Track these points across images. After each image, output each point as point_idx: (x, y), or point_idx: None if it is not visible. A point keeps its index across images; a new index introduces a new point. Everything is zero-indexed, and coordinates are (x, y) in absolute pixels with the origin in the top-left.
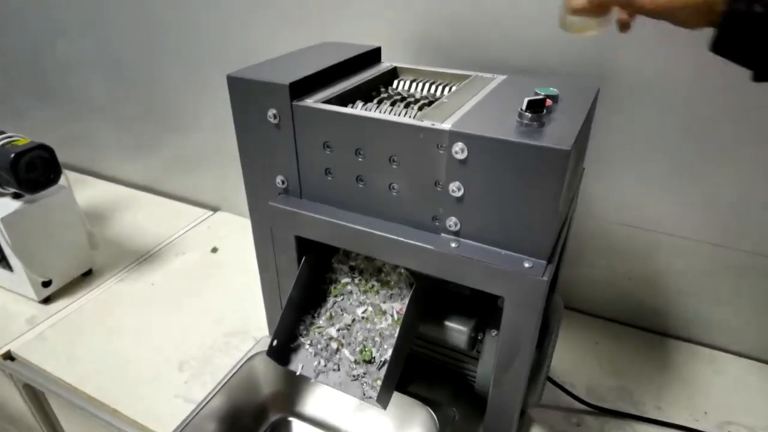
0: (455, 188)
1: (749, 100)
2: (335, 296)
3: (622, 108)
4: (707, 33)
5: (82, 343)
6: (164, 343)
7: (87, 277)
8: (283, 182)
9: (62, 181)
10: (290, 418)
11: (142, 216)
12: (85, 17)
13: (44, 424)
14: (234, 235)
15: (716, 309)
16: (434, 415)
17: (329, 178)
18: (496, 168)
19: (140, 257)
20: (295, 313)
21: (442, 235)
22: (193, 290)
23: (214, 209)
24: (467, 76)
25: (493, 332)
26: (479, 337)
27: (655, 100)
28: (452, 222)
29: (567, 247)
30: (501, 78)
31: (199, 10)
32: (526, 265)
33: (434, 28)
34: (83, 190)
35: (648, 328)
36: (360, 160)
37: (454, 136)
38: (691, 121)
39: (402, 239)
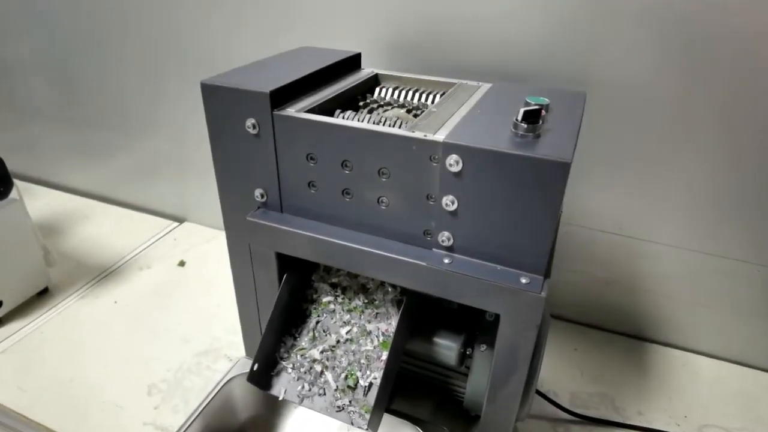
0: (449, 202)
1: (728, 107)
2: (317, 316)
3: (600, 113)
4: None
5: (38, 368)
6: (130, 365)
7: (43, 296)
8: (262, 195)
9: (12, 192)
10: None
11: (102, 228)
12: (25, 14)
13: None
14: (202, 248)
15: (693, 313)
16: None
17: (313, 192)
18: (492, 181)
19: (101, 273)
20: (276, 335)
21: (434, 250)
22: (160, 307)
23: (180, 220)
24: (451, 84)
25: (482, 347)
26: (468, 353)
27: (632, 106)
28: (445, 237)
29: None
30: (487, 86)
31: (155, 9)
32: (523, 280)
33: (411, 33)
34: (33, 201)
35: (626, 333)
36: (347, 172)
37: (448, 147)
38: (670, 127)
39: (392, 255)
